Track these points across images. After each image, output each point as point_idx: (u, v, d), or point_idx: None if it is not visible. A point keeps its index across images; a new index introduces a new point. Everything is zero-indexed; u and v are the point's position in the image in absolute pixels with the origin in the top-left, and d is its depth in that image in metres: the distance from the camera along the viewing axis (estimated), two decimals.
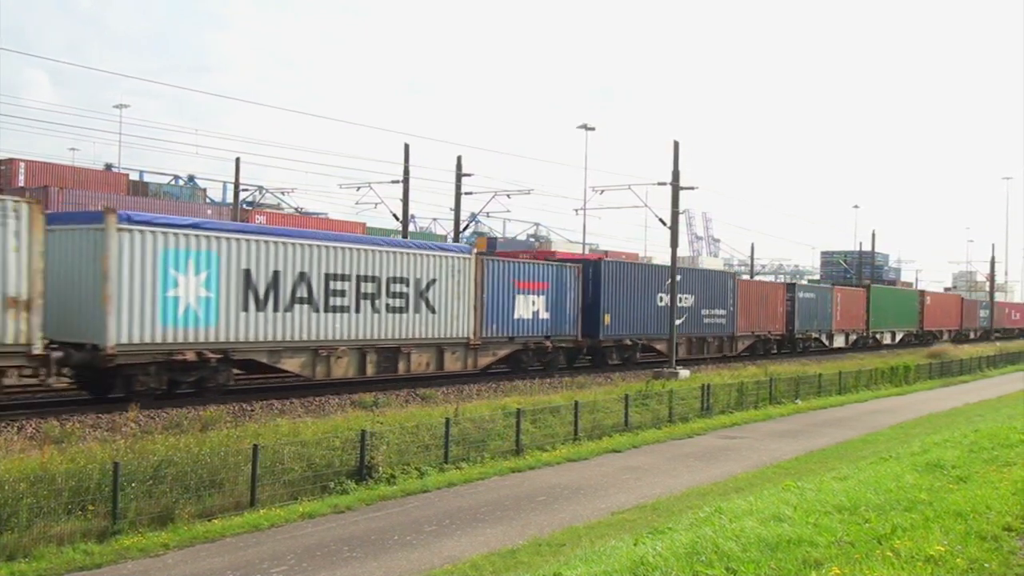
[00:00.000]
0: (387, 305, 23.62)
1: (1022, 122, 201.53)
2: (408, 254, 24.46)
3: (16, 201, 16.26)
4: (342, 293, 22.44)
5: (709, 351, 38.77)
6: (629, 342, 33.55)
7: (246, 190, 49.12)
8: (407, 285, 24.22)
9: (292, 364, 21.53)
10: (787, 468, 16.96)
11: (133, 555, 10.60)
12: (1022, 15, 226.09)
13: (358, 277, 22.83)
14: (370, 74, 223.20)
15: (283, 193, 54.53)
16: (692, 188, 35.04)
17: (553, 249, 53.31)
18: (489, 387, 25.65)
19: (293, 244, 21.41)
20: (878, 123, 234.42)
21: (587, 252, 54.53)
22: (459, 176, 38.47)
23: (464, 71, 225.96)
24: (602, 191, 37.92)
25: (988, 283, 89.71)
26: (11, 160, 43.92)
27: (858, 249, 77.85)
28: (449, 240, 48.21)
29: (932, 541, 7.59)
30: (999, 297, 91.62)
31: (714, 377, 29.62)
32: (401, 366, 24.31)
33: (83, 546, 10.66)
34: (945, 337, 66.35)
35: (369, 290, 23.12)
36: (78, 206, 34.22)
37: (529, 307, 28.64)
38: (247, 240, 20.35)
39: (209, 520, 12.01)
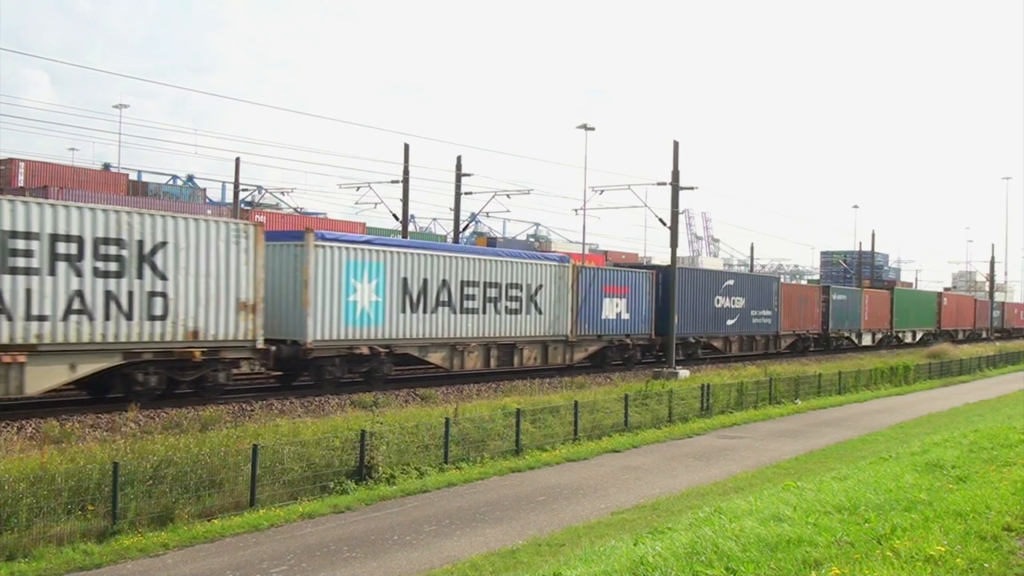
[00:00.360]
0: (506, 307, 27.60)
1: (1022, 122, 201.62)
2: (522, 263, 28.56)
3: (246, 224, 20.25)
4: (473, 297, 26.33)
5: (757, 348, 42.65)
6: (692, 339, 37.51)
7: (245, 190, 49.10)
8: (521, 290, 28.20)
9: (436, 357, 25.48)
10: (786, 468, 16.96)
11: (133, 555, 10.60)
12: (1022, 15, 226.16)
13: (485, 283, 26.76)
14: (368, 75, 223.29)
15: (283, 193, 54.54)
16: (692, 188, 35.10)
17: (553, 249, 53.31)
18: (489, 387, 25.67)
19: (438, 256, 25.41)
20: (878, 123, 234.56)
21: (587, 252, 54.52)
22: (459, 176, 38.46)
23: (463, 71, 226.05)
24: (602, 191, 37.95)
25: (988, 283, 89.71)
26: (11, 160, 43.92)
27: (858, 249, 77.84)
28: (449, 240, 48.21)
29: (932, 541, 7.59)
30: (998, 297, 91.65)
31: (713, 377, 29.62)
32: (516, 360, 28.26)
33: (83, 546, 10.66)
34: (960, 336, 69.13)
35: (493, 295, 27.06)
36: None
37: (614, 309, 32.52)
38: (405, 253, 24.27)
39: (209, 520, 12.01)
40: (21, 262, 16.39)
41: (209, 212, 45.61)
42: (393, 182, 38.29)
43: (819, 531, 8.06)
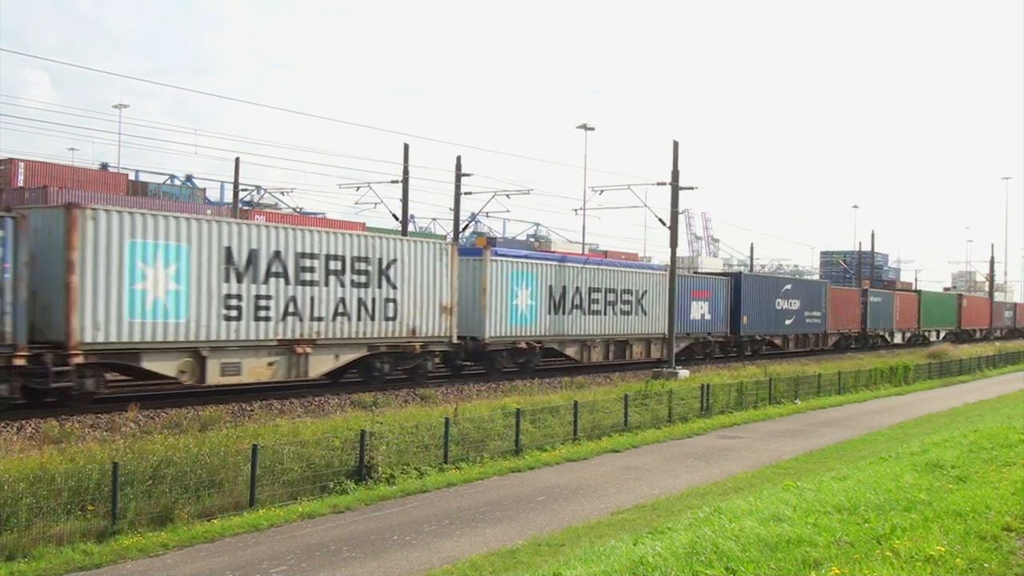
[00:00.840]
0: (620, 310, 33.02)
1: (1022, 122, 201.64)
2: (633, 272, 34.67)
3: (448, 243, 25.86)
4: (597, 301, 31.72)
5: (808, 345, 48.22)
6: (758, 337, 43.00)
7: (245, 190, 49.08)
8: (632, 295, 33.80)
9: (571, 351, 31.11)
10: (786, 468, 16.97)
11: (132, 555, 10.60)
12: (1022, 15, 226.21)
13: (606, 289, 32.24)
14: (368, 75, 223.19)
15: (283, 193, 54.56)
16: (691, 188, 35.11)
17: (553, 249, 53.29)
18: (488, 387, 25.66)
19: (574, 267, 31.05)
20: (878, 123, 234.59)
21: (587, 252, 54.52)
22: (458, 176, 38.46)
23: (462, 71, 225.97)
24: (601, 191, 37.85)
25: (988, 283, 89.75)
26: (10, 160, 43.87)
27: (857, 249, 77.87)
28: (448, 240, 48.22)
29: (931, 541, 7.59)
30: (998, 296, 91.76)
31: (713, 377, 29.63)
32: (627, 354, 33.87)
33: (82, 546, 10.66)
34: (977, 335, 75.54)
35: (611, 299, 32.49)
36: None
37: (699, 310, 37.73)
38: (550, 265, 30.07)
39: (208, 520, 12.01)
40: (307, 276, 21.24)
41: (209, 212, 45.60)
42: (393, 182, 38.30)
43: (819, 531, 8.06)
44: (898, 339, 59.34)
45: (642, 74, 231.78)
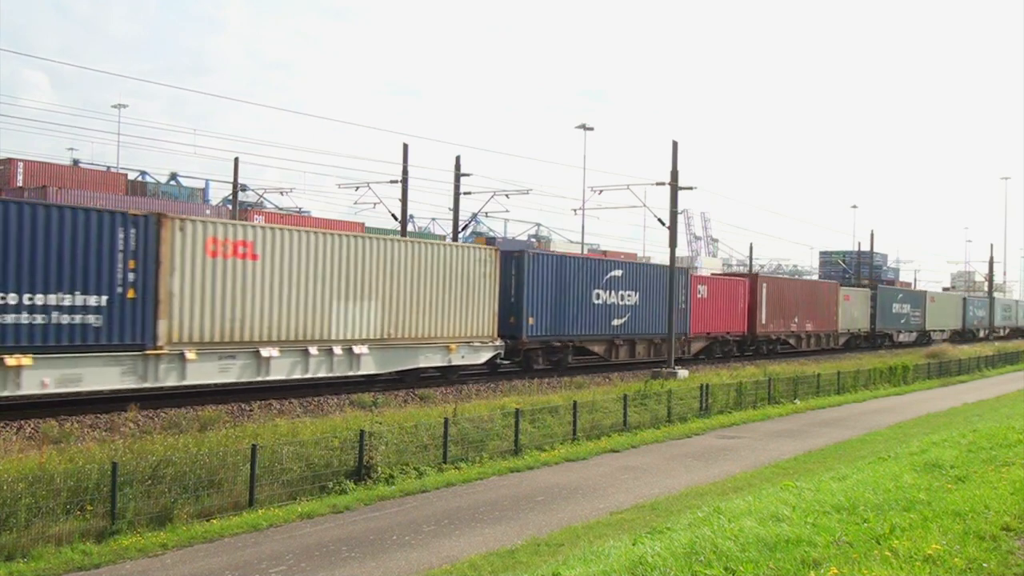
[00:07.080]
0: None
1: (1021, 122, 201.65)
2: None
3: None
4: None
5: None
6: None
7: (244, 189, 49.05)
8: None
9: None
10: (785, 468, 16.96)
11: (132, 555, 10.60)
12: (1022, 15, 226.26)
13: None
14: (365, 76, 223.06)
15: (282, 193, 54.64)
16: (691, 188, 35.00)
17: (552, 249, 53.31)
18: (488, 387, 25.66)
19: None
20: (877, 123, 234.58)
21: (586, 252, 54.52)
22: (458, 176, 38.42)
23: (460, 72, 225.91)
24: (601, 191, 37.74)
25: (987, 283, 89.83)
26: (9, 160, 43.91)
27: (856, 249, 77.89)
28: (448, 240, 48.21)
29: (930, 541, 7.59)
30: (997, 296, 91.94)
31: (712, 377, 29.61)
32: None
33: (81, 546, 10.66)
34: None
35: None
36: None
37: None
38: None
39: (208, 520, 12.01)
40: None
41: (208, 212, 45.61)
42: (392, 182, 38.24)
43: (818, 531, 8.06)
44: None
45: (641, 74, 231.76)
